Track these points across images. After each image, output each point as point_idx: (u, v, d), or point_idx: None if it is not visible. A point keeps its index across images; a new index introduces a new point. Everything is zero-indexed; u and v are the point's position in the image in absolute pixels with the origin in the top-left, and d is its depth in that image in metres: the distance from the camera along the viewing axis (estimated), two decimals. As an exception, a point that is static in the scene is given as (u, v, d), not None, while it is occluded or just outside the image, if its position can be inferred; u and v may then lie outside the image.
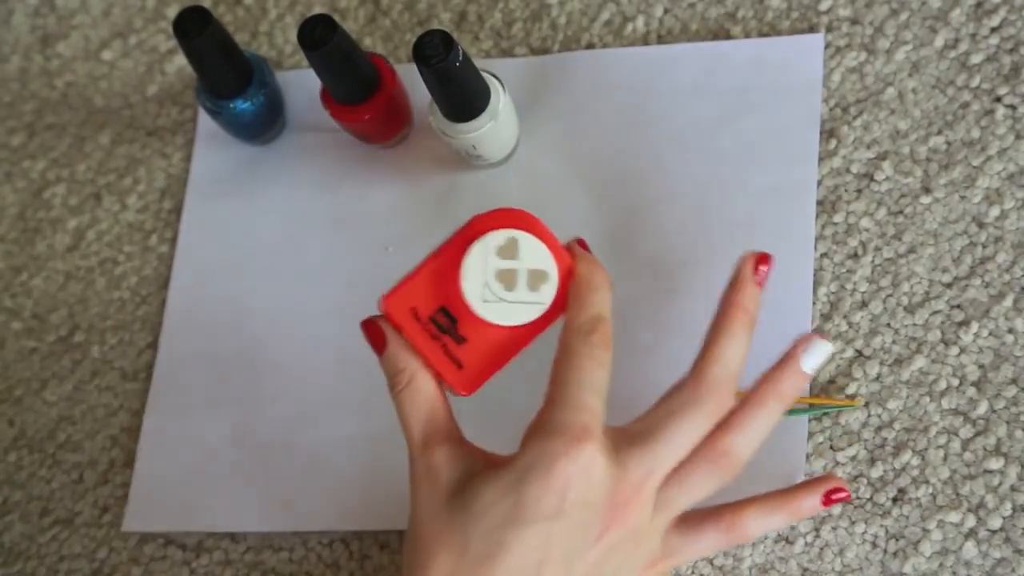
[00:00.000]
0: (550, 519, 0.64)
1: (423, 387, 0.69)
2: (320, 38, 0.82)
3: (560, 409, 0.66)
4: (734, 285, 0.71)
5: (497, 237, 0.69)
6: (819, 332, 0.71)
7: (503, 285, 0.69)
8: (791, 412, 0.78)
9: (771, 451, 0.77)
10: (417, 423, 0.69)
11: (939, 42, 0.84)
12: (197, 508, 0.85)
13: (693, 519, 0.71)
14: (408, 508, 0.69)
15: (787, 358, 0.70)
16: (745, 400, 0.69)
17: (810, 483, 0.73)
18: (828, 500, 0.73)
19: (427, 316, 0.69)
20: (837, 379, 0.79)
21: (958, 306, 0.79)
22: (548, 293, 0.69)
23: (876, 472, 0.77)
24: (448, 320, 0.69)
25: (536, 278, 0.69)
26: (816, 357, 0.70)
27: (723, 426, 0.69)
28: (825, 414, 0.78)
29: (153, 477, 0.86)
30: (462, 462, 0.68)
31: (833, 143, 0.83)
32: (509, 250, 0.69)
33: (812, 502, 0.73)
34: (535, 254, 0.69)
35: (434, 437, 0.68)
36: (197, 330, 0.89)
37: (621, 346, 0.81)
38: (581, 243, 0.72)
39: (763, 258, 0.71)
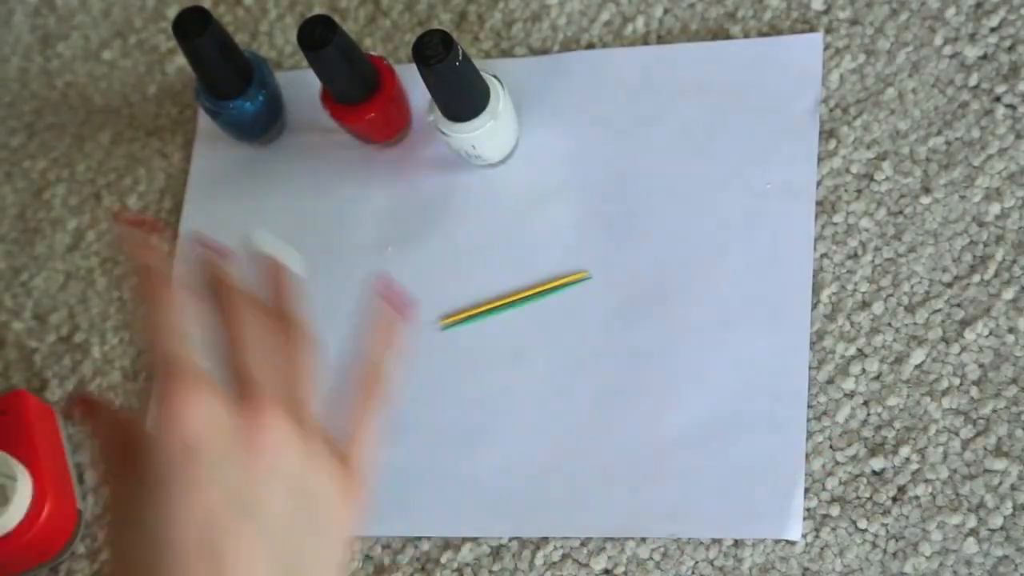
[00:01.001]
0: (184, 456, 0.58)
1: None
2: (320, 38, 0.82)
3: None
4: None
5: None
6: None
7: None
8: (532, 298, 0.81)
9: (771, 451, 0.78)
10: None
11: (938, 42, 0.84)
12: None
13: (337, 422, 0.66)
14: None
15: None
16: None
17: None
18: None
19: None
20: (836, 379, 0.79)
21: (958, 305, 0.79)
22: None
23: (876, 471, 0.77)
24: None
25: None
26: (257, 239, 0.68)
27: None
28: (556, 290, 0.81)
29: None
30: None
31: (833, 143, 0.83)
32: None
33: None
34: None
35: None
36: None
37: (620, 346, 0.81)
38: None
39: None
